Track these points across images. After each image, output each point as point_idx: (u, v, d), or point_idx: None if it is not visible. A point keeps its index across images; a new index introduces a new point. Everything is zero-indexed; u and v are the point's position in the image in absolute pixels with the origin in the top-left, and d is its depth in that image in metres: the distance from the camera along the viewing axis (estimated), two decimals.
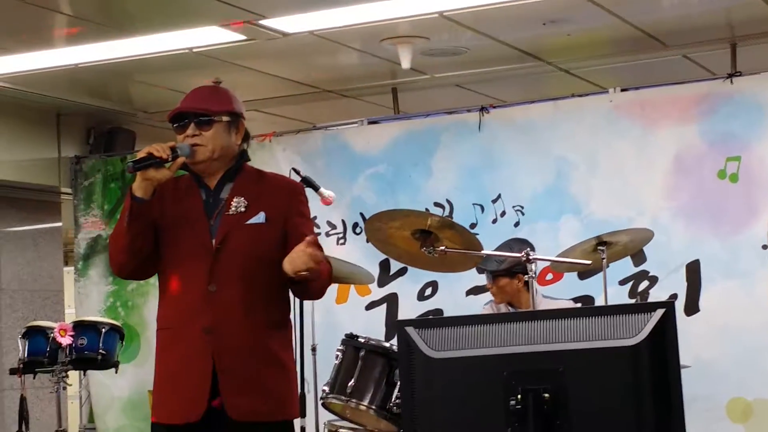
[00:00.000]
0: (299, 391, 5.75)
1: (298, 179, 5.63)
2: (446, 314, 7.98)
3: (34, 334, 7.38)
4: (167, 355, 4.43)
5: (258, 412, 4.29)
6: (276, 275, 4.33)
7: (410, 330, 3.28)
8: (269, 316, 4.39)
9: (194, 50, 7.69)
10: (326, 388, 6.01)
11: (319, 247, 4.27)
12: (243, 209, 4.36)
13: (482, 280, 7.76)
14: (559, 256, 6.65)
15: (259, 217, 4.36)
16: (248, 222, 4.35)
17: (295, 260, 4.20)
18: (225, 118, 4.38)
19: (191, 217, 4.37)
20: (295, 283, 4.32)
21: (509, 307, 6.66)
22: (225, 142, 4.37)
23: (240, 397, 4.27)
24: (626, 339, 3.25)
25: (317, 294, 4.50)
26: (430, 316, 7.96)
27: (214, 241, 4.32)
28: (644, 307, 3.32)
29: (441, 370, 3.28)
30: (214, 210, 4.38)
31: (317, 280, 4.36)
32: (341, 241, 8.41)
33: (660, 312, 3.24)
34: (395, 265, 8.05)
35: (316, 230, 8.22)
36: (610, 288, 6.65)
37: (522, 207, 7.93)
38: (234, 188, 4.40)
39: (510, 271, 6.51)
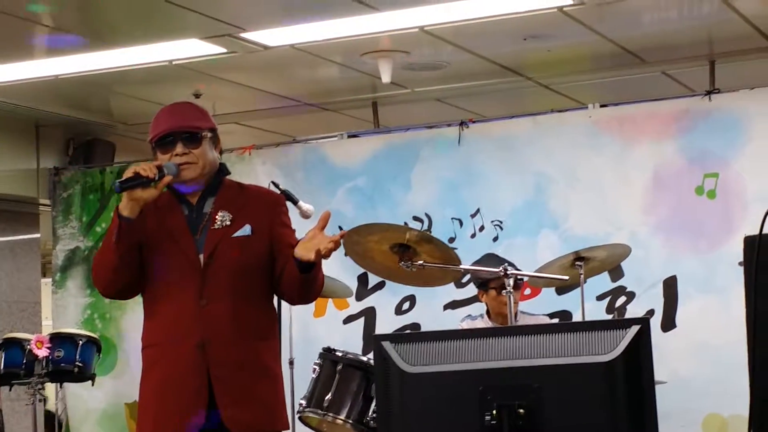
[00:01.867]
0: None
1: (277, 192, 5.62)
2: (424, 328, 7.96)
3: (10, 345, 7.36)
4: (157, 371, 4.41)
5: (254, 424, 4.32)
6: (265, 286, 4.40)
7: (386, 344, 3.28)
8: (259, 327, 4.41)
9: (174, 62, 7.68)
10: (303, 402, 6.00)
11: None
12: (228, 222, 4.37)
13: (460, 294, 7.81)
14: (537, 271, 6.66)
15: (245, 230, 4.37)
16: (235, 235, 4.36)
17: (315, 242, 4.23)
18: (209, 134, 4.42)
19: (175, 233, 4.37)
20: (307, 271, 4.29)
21: (490, 323, 6.67)
22: (211, 157, 4.41)
23: (236, 410, 4.29)
24: (601, 355, 3.25)
25: (318, 290, 4.47)
26: (408, 331, 7.95)
27: (201, 256, 4.33)
28: (619, 323, 3.31)
29: (417, 385, 3.27)
30: (199, 225, 4.39)
31: (320, 273, 4.38)
32: None
33: (635, 328, 3.25)
34: (373, 279, 8.04)
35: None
36: (587, 303, 6.67)
37: (501, 222, 7.93)
38: (217, 202, 4.42)
39: (483, 284, 6.59)
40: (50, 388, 8.40)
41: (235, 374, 4.30)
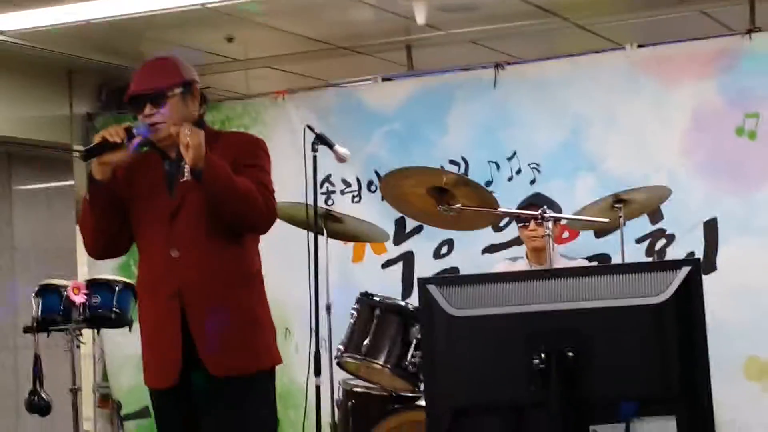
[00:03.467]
0: (314, 349, 5.74)
1: (312, 136, 5.60)
2: (462, 272, 7.92)
3: (47, 292, 7.34)
4: (143, 321, 4.56)
5: (238, 367, 4.40)
6: (237, 231, 4.42)
7: (431, 288, 3.23)
8: (236, 272, 4.45)
9: (206, 5, 7.59)
10: (341, 347, 6.02)
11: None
12: None
13: (498, 238, 7.75)
14: (575, 214, 6.61)
15: None
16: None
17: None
18: (178, 90, 4.44)
19: (153, 190, 4.46)
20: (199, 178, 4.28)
21: (528, 263, 6.63)
22: (182, 113, 4.44)
23: (218, 356, 4.36)
24: (651, 297, 3.19)
25: (232, 198, 4.35)
26: (447, 275, 7.93)
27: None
28: (669, 265, 3.26)
29: (463, 329, 3.23)
30: (174, 179, 4.45)
31: (214, 182, 4.28)
32: (356, 199, 8.35)
33: (686, 270, 3.19)
34: (411, 223, 7.99)
35: (330, 188, 8.34)
36: (626, 246, 6.62)
37: (538, 164, 7.85)
38: None
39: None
40: (88, 334, 8.40)
41: (212, 320, 4.35)
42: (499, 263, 7.06)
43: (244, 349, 4.45)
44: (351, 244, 8.01)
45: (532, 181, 7.85)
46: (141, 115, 4.43)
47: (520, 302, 3.20)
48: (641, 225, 7.35)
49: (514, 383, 3.18)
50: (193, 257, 4.38)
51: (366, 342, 5.98)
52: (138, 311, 4.64)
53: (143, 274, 4.55)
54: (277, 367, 4.71)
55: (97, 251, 4.60)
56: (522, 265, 6.80)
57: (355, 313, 6.15)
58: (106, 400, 9.07)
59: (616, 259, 7.26)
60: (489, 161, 7.99)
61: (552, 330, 3.17)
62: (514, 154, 7.92)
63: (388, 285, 7.81)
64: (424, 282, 3.25)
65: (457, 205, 5.98)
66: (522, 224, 6.77)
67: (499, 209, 6.23)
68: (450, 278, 3.32)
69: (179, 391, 4.44)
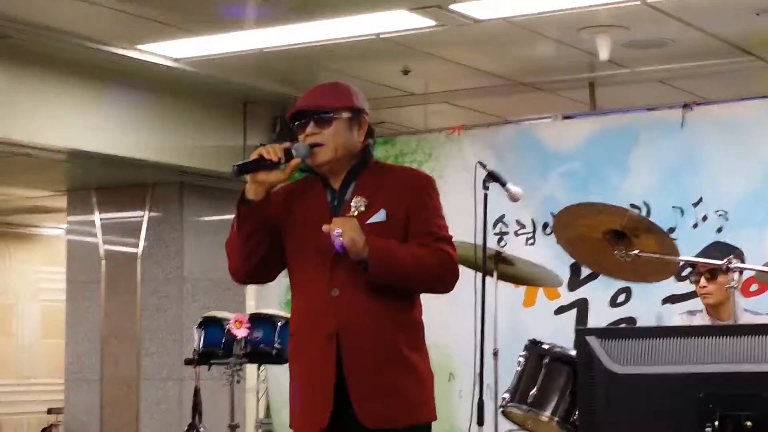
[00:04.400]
0: (478, 397, 5.47)
1: (483, 173, 5.35)
2: (640, 323, 7.59)
3: (210, 324, 7.28)
4: (294, 363, 4.26)
5: (391, 419, 4.08)
6: None
7: (592, 340, 2.88)
8: (396, 317, 4.14)
9: (381, 36, 7.47)
10: (507, 396, 5.75)
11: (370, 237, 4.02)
12: (363, 209, 4.13)
13: (680, 288, 7.35)
14: (766, 265, 6.16)
15: (380, 216, 4.12)
16: (368, 221, 4.09)
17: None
18: (345, 114, 4.15)
19: (315, 221, 4.14)
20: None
21: (709, 319, 6.20)
22: (346, 139, 4.15)
23: (370, 404, 4.06)
24: None
25: (413, 278, 4.12)
26: (623, 325, 7.59)
27: None
28: None
29: (626, 388, 2.87)
30: (338, 212, 4.16)
31: (383, 274, 4.04)
32: (530, 241, 8.09)
33: None
34: (587, 269, 7.65)
35: (503, 229, 8.06)
36: None
37: (726, 212, 7.47)
38: (356, 187, 4.18)
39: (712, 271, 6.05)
40: (252, 370, 8.30)
41: (369, 366, 4.06)
42: (676, 316, 6.65)
43: (400, 401, 4.12)
44: (522, 288, 7.73)
45: (719, 230, 7.47)
46: (302, 134, 4.21)
47: (693, 361, 2.83)
48: None
49: None
50: (355, 298, 4.10)
51: (533, 392, 5.67)
52: (289, 350, 4.36)
53: (299, 311, 4.25)
54: (440, 413, 4.41)
55: (240, 276, 4.31)
56: (700, 320, 6.36)
57: (522, 360, 5.84)
58: None
59: None
60: (673, 206, 7.63)
61: (729, 395, 2.79)
62: (701, 199, 7.56)
63: (559, 333, 7.44)
64: (583, 333, 2.90)
65: (635, 252, 5.61)
66: (694, 279, 6.32)
67: (678, 257, 5.82)
68: (612, 330, 2.98)
69: None
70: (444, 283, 4.20)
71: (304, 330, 4.18)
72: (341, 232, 3.99)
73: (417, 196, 4.19)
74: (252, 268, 4.23)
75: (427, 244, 4.13)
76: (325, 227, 4.02)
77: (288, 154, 4.07)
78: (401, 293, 4.17)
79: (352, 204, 4.15)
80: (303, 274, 4.20)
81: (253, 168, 4.05)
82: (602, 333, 2.91)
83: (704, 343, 2.88)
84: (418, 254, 4.11)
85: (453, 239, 4.26)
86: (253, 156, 4.06)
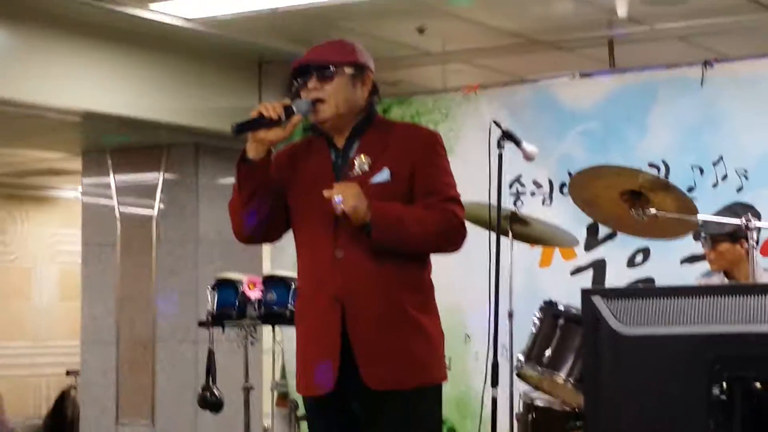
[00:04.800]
0: (492, 359, 5.42)
1: (498, 132, 5.27)
2: (659, 284, 7.49)
3: (223, 286, 7.22)
4: (300, 324, 4.21)
5: (398, 380, 4.03)
6: None
7: (597, 300, 2.80)
8: (402, 278, 4.07)
9: None
10: (521, 357, 5.69)
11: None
12: (367, 168, 4.08)
13: (699, 248, 7.24)
14: None
15: (383, 174, 4.07)
16: (372, 181, 4.04)
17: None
18: (348, 70, 4.09)
19: (319, 180, 4.09)
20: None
21: (726, 279, 6.11)
22: (349, 95, 4.09)
23: (376, 366, 4.01)
24: None
25: (421, 242, 4.08)
26: (640, 285, 7.48)
27: None
28: None
29: (632, 349, 2.79)
30: (342, 170, 4.11)
31: (386, 239, 3.98)
32: (547, 201, 8.01)
33: None
34: (604, 229, 7.61)
35: (520, 189, 7.97)
36: None
37: (746, 170, 7.35)
38: (360, 145, 4.12)
39: (733, 235, 5.94)
40: (267, 331, 8.26)
41: (376, 328, 4.00)
42: (694, 280, 6.56)
43: (407, 362, 4.06)
44: (539, 249, 7.65)
45: (739, 189, 7.37)
46: (304, 89, 4.11)
47: (701, 322, 2.74)
48: None
49: (689, 416, 2.73)
50: (360, 260, 4.03)
51: (548, 353, 5.62)
52: (296, 309, 4.30)
53: (303, 272, 4.20)
54: (455, 374, 4.35)
55: (244, 235, 4.24)
56: (718, 281, 6.27)
57: (537, 322, 5.78)
58: (284, 398, 8.91)
59: None
60: (692, 165, 7.53)
61: (738, 356, 2.71)
62: (721, 158, 7.44)
63: (576, 293, 7.34)
64: (588, 293, 2.82)
65: (653, 211, 5.52)
66: (711, 244, 6.22)
67: (698, 216, 5.74)
68: (618, 290, 2.90)
69: (334, 401, 4.10)
70: (451, 243, 4.13)
71: (309, 290, 4.12)
72: (342, 198, 3.92)
73: (423, 154, 4.11)
74: (254, 228, 4.16)
75: (432, 205, 4.05)
76: (326, 192, 3.96)
77: (288, 111, 3.99)
78: (408, 255, 4.10)
79: (356, 162, 4.07)
80: (307, 234, 4.14)
81: (253, 126, 3.97)
82: (608, 293, 2.84)
83: (712, 303, 2.80)
84: (423, 217, 4.03)
85: (462, 197, 4.19)
86: (253, 114, 3.98)
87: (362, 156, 4.09)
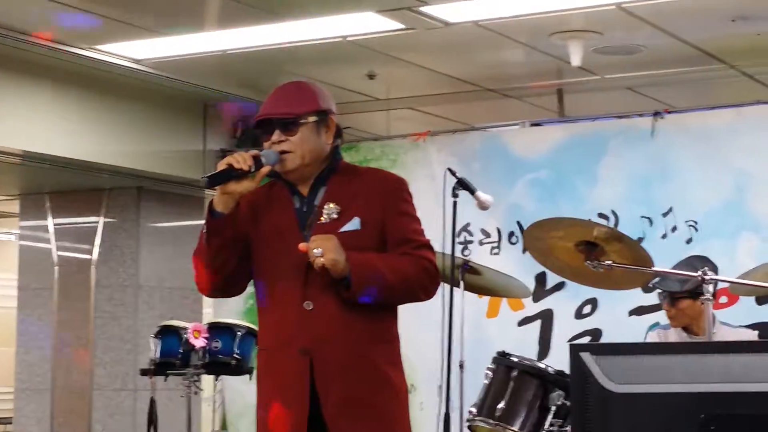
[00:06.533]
0: (444, 410, 5.33)
1: (453, 180, 5.22)
2: (606, 335, 7.48)
3: (167, 334, 7.06)
4: (266, 379, 4.06)
5: None
6: None
7: (586, 357, 2.70)
8: (372, 330, 3.96)
9: (348, 39, 7.30)
10: (473, 410, 5.64)
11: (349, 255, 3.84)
12: (336, 216, 3.95)
13: (647, 299, 7.25)
14: (739, 277, 6.04)
15: (353, 224, 3.94)
16: (341, 230, 3.92)
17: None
18: (312, 119, 3.96)
19: (283, 228, 3.98)
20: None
21: (685, 334, 6.06)
22: (314, 144, 3.97)
23: (346, 422, 3.89)
24: None
25: (395, 293, 3.97)
26: (587, 337, 7.53)
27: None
28: None
29: (622, 407, 2.69)
30: (307, 219, 3.98)
31: (365, 291, 3.88)
32: (495, 250, 7.94)
33: None
34: (552, 279, 7.58)
35: (468, 238, 7.90)
36: None
37: (696, 222, 7.36)
38: (327, 192, 4.01)
39: (693, 292, 5.90)
40: (208, 380, 8.11)
41: (345, 382, 3.88)
42: (651, 333, 6.51)
43: (376, 419, 3.95)
44: (486, 299, 7.58)
45: (689, 240, 7.36)
46: (269, 141, 4.01)
47: (693, 380, 2.65)
48: None
49: None
50: (329, 311, 3.91)
51: (501, 405, 5.57)
52: (258, 365, 4.16)
53: (270, 325, 4.05)
54: None
55: (210, 290, 4.11)
56: (675, 335, 6.22)
57: (490, 373, 5.72)
58: None
59: None
60: (642, 216, 7.52)
61: (731, 415, 2.62)
62: (671, 209, 7.45)
63: (523, 344, 7.40)
64: (577, 349, 2.72)
65: (608, 262, 5.47)
66: (671, 301, 6.19)
67: (654, 268, 5.70)
68: (608, 345, 2.81)
69: None
70: (426, 291, 4.04)
71: (276, 345, 3.99)
72: (322, 251, 3.81)
73: (392, 202, 4.00)
74: (221, 282, 4.04)
75: (407, 253, 3.95)
76: (302, 245, 3.84)
77: (258, 162, 3.88)
78: (381, 306, 3.99)
79: (324, 210, 3.97)
80: (273, 286, 4.00)
81: (225, 178, 3.85)
82: (597, 349, 2.73)
83: (704, 360, 2.71)
84: (400, 266, 3.93)
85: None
86: (222, 166, 3.85)
87: (330, 204, 3.98)
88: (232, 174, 3.84)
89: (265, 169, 3.89)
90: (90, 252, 9.35)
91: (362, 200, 3.97)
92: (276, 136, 3.95)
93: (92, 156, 8.34)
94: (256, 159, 3.87)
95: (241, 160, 3.85)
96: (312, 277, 3.89)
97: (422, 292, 4.01)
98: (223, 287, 4.09)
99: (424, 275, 3.97)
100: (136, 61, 7.85)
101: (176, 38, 7.40)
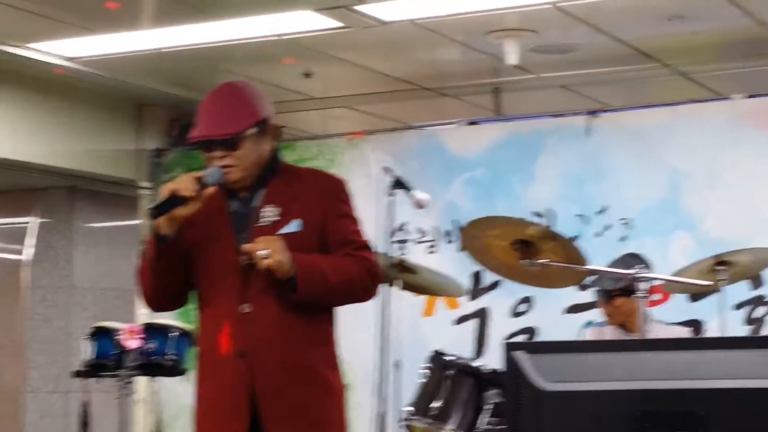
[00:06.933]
0: (379, 410, 5.32)
1: (389, 179, 5.19)
2: (542, 333, 7.53)
3: (101, 335, 6.97)
4: (204, 383, 4.03)
5: None
6: None
7: (520, 355, 2.68)
8: (311, 333, 3.96)
9: (284, 37, 7.25)
10: (409, 409, 5.57)
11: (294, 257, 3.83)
12: (277, 218, 3.93)
13: (583, 297, 7.28)
14: (673, 275, 6.08)
15: (293, 226, 3.92)
16: (280, 232, 3.90)
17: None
18: (252, 131, 3.92)
19: (217, 232, 3.96)
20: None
21: (620, 331, 6.09)
22: (257, 154, 3.96)
23: (284, 426, 3.87)
24: None
25: (336, 294, 3.97)
26: (524, 335, 7.57)
27: (244, 257, 3.89)
28: None
29: (556, 406, 2.68)
30: (246, 221, 3.96)
31: (311, 292, 3.87)
32: (432, 249, 7.91)
33: None
34: (487, 278, 7.62)
35: (405, 236, 7.90)
36: (723, 313, 6.09)
37: (630, 220, 7.41)
38: (266, 195, 3.98)
39: (627, 289, 5.92)
40: (143, 381, 8.03)
41: (283, 386, 3.87)
42: (585, 330, 6.54)
43: (313, 423, 3.94)
44: (422, 298, 7.59)
45: (623, 239, 7.40)
46: (209, 156, 3.94)
47: (628, 377, 2.64)
48: (740, 290, 6.83)
49: None
50: (267, 314, 3.89)
51: (436, 405, 5.53)
52: (197, 369, 4.11)
53: (208, 328, 4.02)
54: None
55: (156, 307, 4.13)
56: (610, 333, 6.25)
57: (426, 372, 5.69)
58: None
59: (710, 326, 6.87)
60: (576, 215, 7.57)
61: (665, 413, 2.62)
62: (605, 208, 7.48)
63: (460, 343, 7.44)
64: (511, 348, 2.71)
65: (543, 260, 5.49)
66: (607, 298, 6.19)
67: (589, 267, 5.72)
68: (542, 344, 2.81)
69: None
70: (369, 292, 4.05)
71: (213, 349, 3.94)
72: (268, 253, 3.77)
73: (332, 203, 3.99)
74: (166, 300, 4.03)
75: (349, 254, 3.94)
76: (247, 246, 3.81)
77: (202, 183, 3.84)
78: (322, 307, 3.97)
79: (263, 212, 3.93)
80: (210, 290, 3.97)
81: (171, 206, 3.81)
82: (531, 347, 2.72)
83: (637, 358, 2.71)
84: (343, 267, 3.92)
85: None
86: (165, 193, 3.81)
87: (271, 206, 3.95)
88: (177, 201, 3.81)
89: (211, 190, 3.88)
90: (20, 252, 9.24)
91: (303, 202, 3.95)
92: (219, 153, 3.90)
93: (24, 155, 8.24)
94: (200, 180, 3.84)
95: (184, 186, 3.81)
96: (251, 279, 3.86)
97: (364, 292, 4.01)
98: (167, 303, 4.08)
99: (366, 276, 3.97)
100: (69, 59, 7.75)
101: (110, 36, 7.30)
